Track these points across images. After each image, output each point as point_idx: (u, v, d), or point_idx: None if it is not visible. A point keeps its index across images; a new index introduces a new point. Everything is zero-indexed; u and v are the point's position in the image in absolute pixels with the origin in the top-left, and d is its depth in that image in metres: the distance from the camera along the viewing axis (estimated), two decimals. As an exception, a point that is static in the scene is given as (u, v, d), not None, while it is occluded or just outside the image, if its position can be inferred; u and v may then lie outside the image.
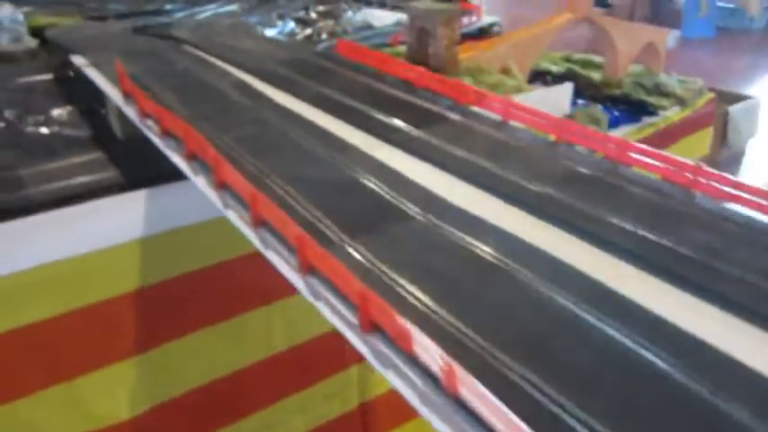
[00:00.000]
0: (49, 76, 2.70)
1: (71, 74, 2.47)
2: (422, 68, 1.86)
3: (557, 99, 2.41)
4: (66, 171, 1.84)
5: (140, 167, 1.80)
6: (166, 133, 1.40)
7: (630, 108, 3.31)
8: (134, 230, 1.63)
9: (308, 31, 3.53)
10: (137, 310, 1.69)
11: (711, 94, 3.65)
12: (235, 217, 1.12)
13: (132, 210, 1.66)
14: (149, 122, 1.50)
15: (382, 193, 1.16)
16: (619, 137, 1.34)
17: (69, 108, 2.26)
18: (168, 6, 4.65)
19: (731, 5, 11.24)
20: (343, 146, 1.40)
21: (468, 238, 1.00)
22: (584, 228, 1.05)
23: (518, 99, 2.23)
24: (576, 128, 1.48)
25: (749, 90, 8.14)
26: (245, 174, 1.14)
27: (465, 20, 3.89)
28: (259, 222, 1.06)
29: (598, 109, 2.95)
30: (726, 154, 4.18)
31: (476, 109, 1.65)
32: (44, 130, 2.10)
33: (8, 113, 2.22)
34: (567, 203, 1.13)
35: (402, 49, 3.22)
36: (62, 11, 4.43)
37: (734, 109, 3.94)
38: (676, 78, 3.63)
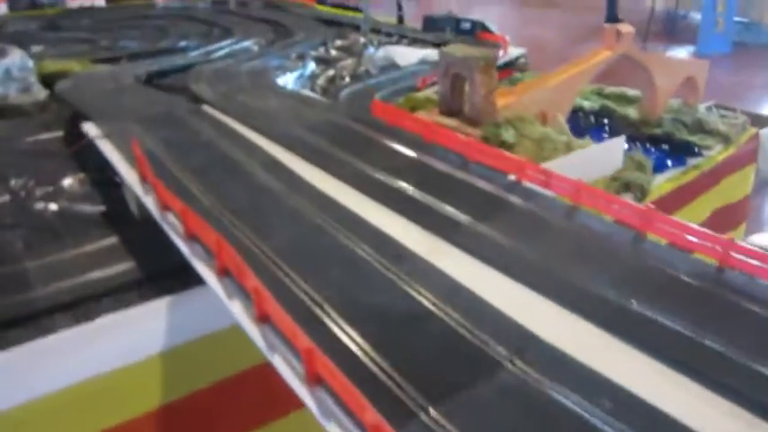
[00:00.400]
0: (59, 134, 2.54)
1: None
2: (472, 139, 1.67)
3: (610, 154, 2.22)
4: (77, 263, 1.65)
5: (160, 257, 1.59)
6: (192, 237, 1.21)
7: (673, 148, 3.11)
8: (154, 344, 1.44)
9: (331, 72, 3.36)
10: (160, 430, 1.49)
11: (754, 130, 3.45)
12: (281, 364, 0.92)
13: (151, 322, 1.47)
14: (171, 218, 1.32)
15: (458, 327, 0.96)
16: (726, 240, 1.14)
17: (81, 176, 2.08)
18: (182, 43, 4.50)
19: (747, 20, 11.04)
20: (398, 252, 1.20)
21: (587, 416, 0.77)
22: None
23: (573, 158, 2.05)
24: (663, 219, 1.28)
25: (765, 109, 7.95)
26: (292, 303, 0.94)
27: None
28: (314, 381, 0.86)
29: (642, 155, 2.75)
30: (757, 179, 3.98)
31: (538, 188, 1.46)
32: (53, 206, 1.92)
33: (15, 183, 2.05)
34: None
35: (431, 91, 3.05)
36: (74, 52, 4.29)
37: (765, 132, 3.74)
38: (717, 113, 3.43)
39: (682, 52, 10.72)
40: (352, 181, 1.54)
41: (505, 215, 1.35)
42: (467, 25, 4.48)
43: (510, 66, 4.01)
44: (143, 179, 1.51)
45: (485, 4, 14.00)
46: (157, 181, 1.38)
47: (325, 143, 1.78)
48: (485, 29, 4.41)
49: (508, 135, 2.21)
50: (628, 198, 2.53)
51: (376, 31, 4.53)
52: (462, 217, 1.35)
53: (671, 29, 11.39)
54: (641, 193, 2.62)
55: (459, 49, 2.45)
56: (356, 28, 4.62)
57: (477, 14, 14.76)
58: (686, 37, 11.28)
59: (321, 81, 3.22)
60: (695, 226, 1.31)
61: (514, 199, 1.43)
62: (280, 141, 1.82)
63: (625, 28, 2.88)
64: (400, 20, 4.85)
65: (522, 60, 4.16)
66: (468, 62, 2.36)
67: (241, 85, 2.59)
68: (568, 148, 2.11)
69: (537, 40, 11.58)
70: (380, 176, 1.55)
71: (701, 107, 3.50)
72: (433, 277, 1.12)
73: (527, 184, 1.50)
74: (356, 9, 4.94)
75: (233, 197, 1.46)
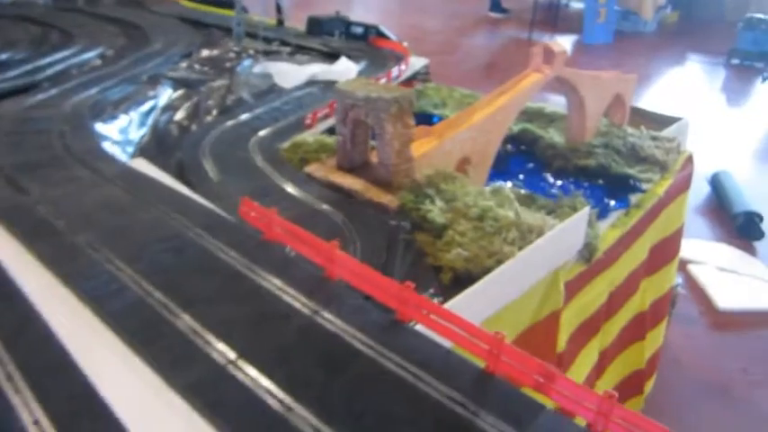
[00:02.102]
0: None
1: None
2: (408, 288, 1.05)
3: (573, 234, 1.68)
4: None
5: None
6: None
7: (611, 184, 2.66)
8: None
9: (194, 99, 2.60)
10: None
11: (687, 152, 3.08)
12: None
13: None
14: None
15: None
16: None
17: None
18: (2, 56, 3.54)
19: (624, 9, 11.22)
20: None
21: None
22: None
23: (531, 253, 1.47)
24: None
25: (650, 97, 8.01)
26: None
27: (394, 71, 3.11)
28: None
29: (582, 200, 2.25)
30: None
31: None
32: None
33: None
34: None
35: (324, 129, 2.39)
36: None
37: (665, 134, 3.40)
38: (648, 135, 3.03)
39: (566, 41, 10.68)
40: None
41: None
42: (358, 29, 3.85)
43: (411, 78, 3.43)
44: None
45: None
46: None
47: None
48: (380, 34, 3.80)
49: (434, 210, 1.61)
50: (573, 263, 2.03)
51: (251, 36, 3.79)
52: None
53: (554, 18, 11.35)
54: (589, 252, 2.12)
55: (360, 86, 1.81)
56: (228, 31, 3.86)
57: (357, 3, 14.13)
58: (569, 26, 11.30)
59: (180, 116, 2.47)
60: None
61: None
62: (81, 289, 1.14)
63: (556, 47, 2.36)
64: (280, 22, 4.13)
65: (424, 71, 3.58)
66: (374, 107, 1.73)
67: (50, 152, 1.84)
68: (518, 228, 1.54)
69: (421, 29, 11.17)
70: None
71: (629, 128, 3.08)
72: None
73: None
74: (231, 6, 4.15)
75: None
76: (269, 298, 1.16)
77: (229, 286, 1.20)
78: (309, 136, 2.18)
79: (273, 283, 1.20)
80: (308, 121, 2.34)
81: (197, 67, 3.18)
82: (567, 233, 1.58)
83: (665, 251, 3.08)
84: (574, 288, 2.21)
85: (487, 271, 1.37)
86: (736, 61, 9.22)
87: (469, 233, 1.51)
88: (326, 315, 1.11)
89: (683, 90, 8.27)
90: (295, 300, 1.14)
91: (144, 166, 1.86)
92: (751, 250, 4.53)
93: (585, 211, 1.71)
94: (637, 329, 3.01)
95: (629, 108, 3.18)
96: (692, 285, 4.16)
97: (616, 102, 3.06)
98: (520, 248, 1.45)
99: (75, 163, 1.82)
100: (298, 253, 1.30)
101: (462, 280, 1.42)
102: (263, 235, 1.37)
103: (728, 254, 4.48)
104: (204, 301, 1.14)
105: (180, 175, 1.94)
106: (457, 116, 2.19)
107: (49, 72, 3.00)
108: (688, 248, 4.47)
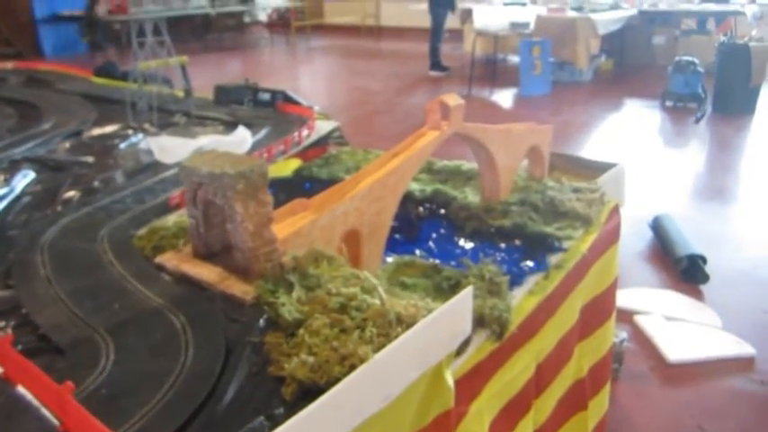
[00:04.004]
0: None
1: None
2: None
3: (457, 319, 1.43)
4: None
5: None
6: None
7: (528, 244, 2.43)
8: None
9: (56, 184, 2.31)
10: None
11: (613, 201, 2.89)
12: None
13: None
14: None
15: None
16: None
17: None
18: None
19: (560, 60, 11.48)
20: None
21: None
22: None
23: (403, 348, 1.20)
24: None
25: (590, 144, 8.03)
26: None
27: (294, 137, 2.89)
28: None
29: (493, 267, 2.01)
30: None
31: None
32: None
33: None
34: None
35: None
36: None
37: (602, 181, 3.25)
38: (570, 187, 2.84)
39: (506, 94, 10.80)
40: None
41: None
42: (265, 96, 3.66)
43: (323, 142, 3.21)
44: None
45: (309, 60, 13.50)
46: None
47: None
48: (287, 99, 3.61)
49: (288, 304, 1.34)
50: (481, 338, 1.77)
51: (151, 108, 3.55)
52: None
53: (492, 73, 11.51)
54: (500, 326, 1.87)
55: (207, 161, 1.56)
56: (133, 105, 3.62)
57: (304, 69, 14.29)
58: (508, 80, 11.47)
59: (33, 204, 2.17)
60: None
61: None
62: None
63: (452, 100, 2.17)
64: (188, 93, 3.92)
65: (336, 134, 3.37)
66: (220, 184, 1.48)
67: None
68: (382, 320, 1.28)
69: (365, 90, 11.18)
70: None
71: (550, 182, 2.89)
72: None
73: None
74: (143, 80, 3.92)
75: None
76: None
77: None
78: (171, 218, 1.91)
79: None
80: (174, 201, 2.07)
81: (81, 147, 2.91)
82: (445, 321, 1.32)
83: (599, 310, 2.85)
84: (488, 369, 1.94)
85: (337, 381, 1.10)
86: (669, 103, 9.38)
87: (324, 331, 1.24)
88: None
89: (621, 134, 8.32)
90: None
91: None
92: (697, 295, 4.36)
93: (468, 291, 1.46)
94: (576, 399, 2.74)
95: (561, 159, 3.01)
96: (640, 338, 3.94)
97: (533, 154, 2.88)
98: (380, 347, 1.18)
99: None
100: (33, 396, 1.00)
101: (309, 394, 1.14)
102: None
103: (675, 300, 4.29)
104: None
105: (6, 276, 1.64)
106: (341, 184, 1.95)
107: None
108: (632, 297, 4.27)
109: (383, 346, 1.19)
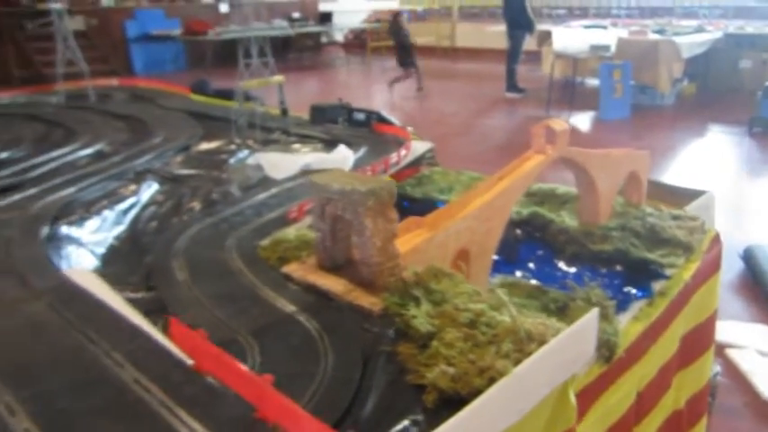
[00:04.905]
0: None
1: None
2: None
3: (580, 343, 1.45)
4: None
5: None
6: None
7: (631, 270, 2.42)
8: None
9: (178, 195, 2.48)
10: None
11: (714, 230, 2.84)
12: None
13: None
14: None
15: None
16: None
17: None
18: (4, 154, 3.51)
19: (641, 84, 11.24)
20: None
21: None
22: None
23: (531, 369, 1.24)
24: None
25: (672, 170, 7.81)
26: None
27: (393, 157, 2.98)
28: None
29: (600, 292, 2.02)
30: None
31: None
32: None
33: None
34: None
35: (309, 221, 2.23)
36: None
37: (691, 208, 3.17)
38: (669, 214, 2.81)
39: (584, 118, 10.66)
40: None
41: None
42: (361, 116, 3.78)
43: (417, 162, 3.29)
44: None
45: (384, 80, 13.71)
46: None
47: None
48: (381, 119, 3.72)
49: (419, 316, 1.40)
50: (590, 365, 1.78)
51: (254, 126, 3.73)
52: None
53: (570, 96, 11.38)
54: (608, 350, 1.88)
55: (336, 178, 1.66)
56: (235, 122, 3.82)
57: (378, 88, 14.47)
58: (586, 103, 11.32)
59: (160, 213, 2.34)
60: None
61: None
62: None
63: (558, 125, 2.21)
64: (284, 112, 4.09)
65: (429, 154, 3.45)
66: (350, 200, 1.57)
67: None
68: (514, 336, 1.32)
69: (439, 112, 11.27)
70: None
71: (648, 208, 2.87)
72: None
73: None
74: (246, 98, 4.12)
75: None
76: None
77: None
78: (292, 232, 2.02)
79: (192, 428, 1.00)
80: (292, 215, 2.18)
81: (192, 161, 3.09)
82: (574, 340, 1.36)
83: (699, 340, 2.79)
84: (594, 392, 1.95)
85: (478, 392, 1.15)
86: (758, 130, 9.03)
87: (458, 344, 1.30)
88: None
89: (706, 162, 8.07)
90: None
91: (85, 278, 1.70)
92: (794, 331, 4.18)
93: (594, 313, 1.49)
94: (673, 431, 2.68)
95: (647, 185, 2.98)
96: (733, 373, 3.80)
97: (631, 180, 2.87)
98: (517, 362, 1.22)
99: (7, 276, 1.66)
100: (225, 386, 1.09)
101: (449, 402, 1.19)
102: (193, 364, 1.18)
103: (769, 335, 4.13)
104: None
105: (147, 279, 1.78)
106: (452, 204, 2.02)
107: (39, 171, 2.93)
108: (724, 331, 4.13)
109: (519, 361, 1.24)
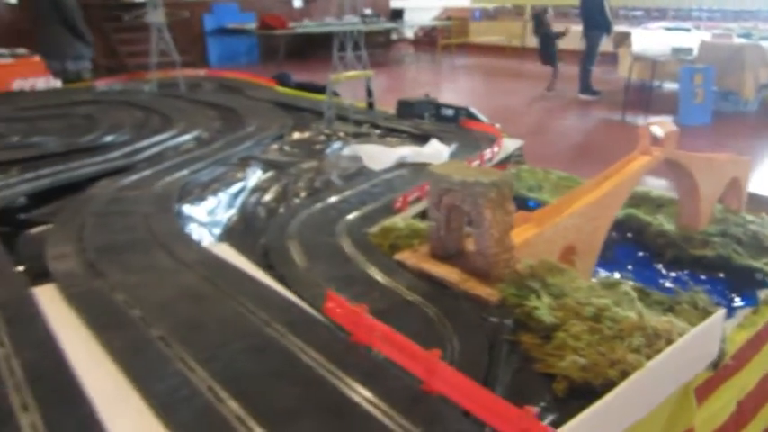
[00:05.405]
0: None
1: None
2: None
3: (707, 341, 1.44)
4: None
5: None
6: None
7: (733, 278, 2.37)
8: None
9: (283, 182, 2.57)
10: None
11: (819, 242, 2.73)
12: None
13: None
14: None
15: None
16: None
17: None
18: (108, 138, 3.70)
19: (724, 90, 10.82)
20: None
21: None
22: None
23: (662, 364, 1.25)
24: None
25: (756, 180, 7.49)
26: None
27: (486, 153, 3.00)
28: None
29: (705, 297, 1.99)
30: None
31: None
32: None
33: None
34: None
35: (414, 213, 2.27)
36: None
37: None
38: (771, 222, 2.72)
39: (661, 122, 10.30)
40: None
41: None
42: (449, 112, 3.80)
43: (505, 161, 3.30)
44: None
45: (453, 77, 13.68)
46: None
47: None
48: (470, 116, 3.73)
49: (542, 308, 1.42)
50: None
51: (342, 119, 3.81)
52: None
53: (647, 100, 11.06)
54: (718, 357, 1.85)
55: (455, 170, 1.69)
56: (320, 115, 3.91)
57: (445, 87, 14.40)
58: (662, 107, 10.98)
59: (268, 198, 2.43)
60: None
61: None
62: (150, 393, 1.03)
63: (666, 127, 2.18)
64: (370, 105, 4.16)
65: (518, 152, 3.45)
66: (471, 192, 1.60)
67: (129, 236, 1.82)
68: (641, 332, 1.33)
69: (509, 110, 11.16)
70: None
71: (748, 215, 2.79)
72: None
73: None
74: (322, 91, 4.22)
75: None
76: (358, 413, 1.01)
77: (312, 396, 1.06)
78: (400, 221, 2.07)
79: (362, 395, 1.05)
80: (397, 205, 2.24)
81: (287, 149, 3.19)
82: (700, 340, 1.35)
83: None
84: (699, 397, 1.93)
85: (609, 383, 1.17)
86: None
87: (585, 336, 1.32)
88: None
89: (793, 172, 7.72)
90: (389, 418, 0.98)
91: (226, 252, 1.80)
92: None
93: (720, 314, 1.47)
94: (769, 444, 2.61)
95: (746, 193, 2.90)
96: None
97: (732, 186, 2.80)
98: (647, 357, 1.23)
99: (156, 247, 1.77)
100: (387, 357, 1.15)
101: (578, 391, 1.21)
102: (350, 336, 1.23)
103: None
104: (283, 413, 1.00)
105: (264, 258, 1.86)
106: (559, 201, 2.02)
107: (147, 154, 3.09)
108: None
109: (649, 357, 1.25)
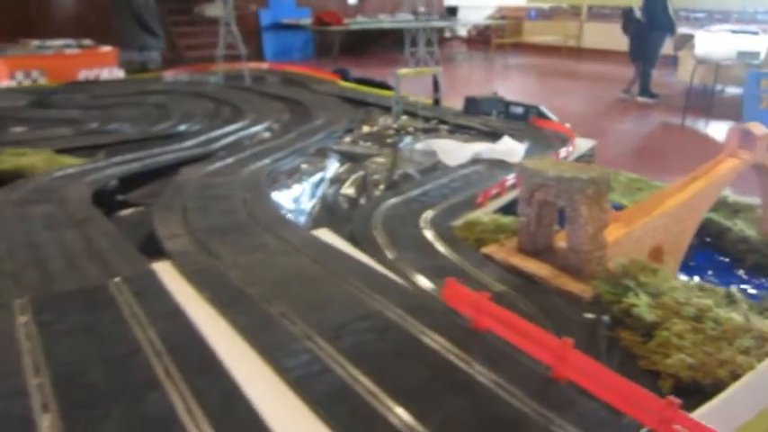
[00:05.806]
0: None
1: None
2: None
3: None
4: None
5: None
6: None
7: (821, 286, 2.31)
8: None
9: (360, 174, 2.62)
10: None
11: None
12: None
13: None
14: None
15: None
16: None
17: None
18: (182, 127, 3.82)
19: (791, 95, 10.40)
20: None
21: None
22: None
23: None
24: None
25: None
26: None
27: (562, 152, 2.99)
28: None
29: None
30: None
31: None
32: None
33: None
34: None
35: (495, 208, 2.29)
36: (50, 137, 3.61)
37: None
38: None
39: (724, 128, 10.06)
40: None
41: None
42: (518, 109, 3.79)
43: (580, 159, 3.29)
44: None
45: (507, 76, 13.55)
46: None
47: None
48: (540, 115, 3.71)
49: (641, 305, 1.42)
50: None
51: (410, 114, 3.84)
52: None
53: (708, 104, 10.76)
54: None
55: (546, 165, 1.70)
56: (385, 109, 3.95)
57: (501, 84, 14.27)
58: (725, 112, 10.66)
59: (348, 188, 2.48)
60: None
61: None
62: (282, 367, 1.08)
63: (758, 129, 2.14)
64: (436, 101, 4.17)
65: (590, 153, 3.43)
66: (568, 187, 1.60)
67: (233, 219, 1.88)
68: (748, 335, 1.31)
69: (566, 112, 10.97)
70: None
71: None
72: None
73: None
74: (383, 86, 4.27)
75: None
76: (489, 396, 1.03)
77: (442, 377, 1.09)
78: (483, 215, 2.08)
79: (490, 378, 1.07)
80: (479, 200, 2.25)
81: (360, 141, 3.23)
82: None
83: None
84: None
85: (719, 383, 1.16)
86: None
87: (689, 336, 1.31)
88: (565, 426, 0.95)
89: None
90: (519, 401, 1.00)
91: (329, 237, 1.85)
92: None
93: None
94: None
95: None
96: None
97: (816, 193, 2.72)
98: (758, 360, 1.22)
99: (261, 230, 1.83)
100: (507, 343, 1.16)
101: (684, 390, 1.21)
102: (471, 321, 1.26)
103: None
104: (417, 393, 1.03)
105: (353, 247, 1.90)
106: (646, 202, 2.01)
107: (223, 143, 3.17)
108: None
109: (759, 359, 1.23)
